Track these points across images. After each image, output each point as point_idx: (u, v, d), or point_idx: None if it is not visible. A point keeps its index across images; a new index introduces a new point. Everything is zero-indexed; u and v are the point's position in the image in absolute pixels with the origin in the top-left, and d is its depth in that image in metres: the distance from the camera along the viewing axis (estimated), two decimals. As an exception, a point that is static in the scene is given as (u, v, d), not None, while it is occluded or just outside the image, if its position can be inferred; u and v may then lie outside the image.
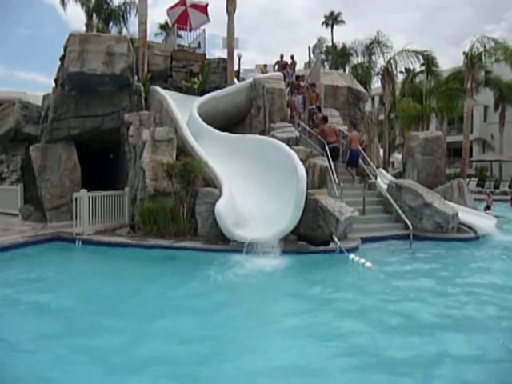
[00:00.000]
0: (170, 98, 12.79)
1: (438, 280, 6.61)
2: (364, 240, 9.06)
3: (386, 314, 5.15)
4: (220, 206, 8.41)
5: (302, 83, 14.59)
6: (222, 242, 8.54)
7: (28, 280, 6.62)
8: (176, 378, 3.67)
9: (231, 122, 13.12)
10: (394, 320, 4.93)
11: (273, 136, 10.91)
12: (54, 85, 12.57)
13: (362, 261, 7.26)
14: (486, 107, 36.62)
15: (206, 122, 11.79)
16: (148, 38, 14.87)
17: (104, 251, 8.68)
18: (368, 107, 25.93)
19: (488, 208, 13.59)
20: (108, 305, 5.55)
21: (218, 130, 11.66)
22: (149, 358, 4.00)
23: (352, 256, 7.62)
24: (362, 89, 17.18)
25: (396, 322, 4.87)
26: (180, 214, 9.24)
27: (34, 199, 12.27)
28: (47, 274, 7.04)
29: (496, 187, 28.22)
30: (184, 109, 12.40)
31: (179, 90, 14.87)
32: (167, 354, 4.11)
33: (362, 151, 12.16)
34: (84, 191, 9.64)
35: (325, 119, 12.34)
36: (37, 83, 77.26)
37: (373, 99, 38.96)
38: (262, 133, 11.88)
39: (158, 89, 13.52)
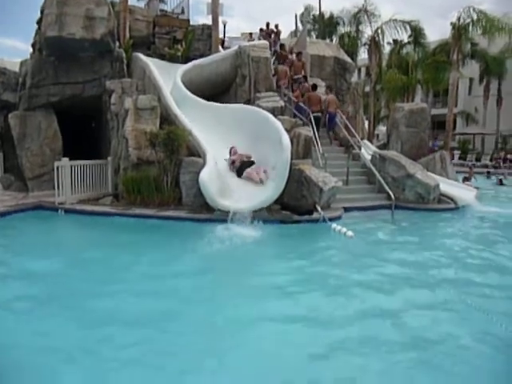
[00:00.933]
0: (153, 65, 12.48)
1: (417, 248, 6.81)
2: (347, 210, 9.18)
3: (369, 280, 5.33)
4: (204, 175, 8.37)
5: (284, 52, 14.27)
6: (206, 211, 8.55)
7: (10, 247, 6.61)
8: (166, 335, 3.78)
9: (216, 90, 12.90)
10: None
11: (258, 105, 10.79)
12: (31, 50, 12.13)
13: (344, 230, 7.38)
14: (471, 80, 36.60)
15: (190, 91, 11.55)
16: (129, 2, 14.38)
17: (87, 220, 8.64)
18: (354, 78, 25.77)
19: (467, 179, 13.91)
20: (92, 271, 5.59)
21: (203, 98, 11.47)
22: (135, 318, 4.13)
23: (334, 225, 7.73)
24: (348, 59, 16.99)
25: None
26: (164, 184, 9.19)
27: (14, 168, 12.02)
28: (30, 242, 7.01)
29: (477, 160, 28.69)
30: (167, 76, 12.11)
31: (162, 57, 14.51)
32: (154, 315, 4.24)
33: (341, 113, 12.14)
34: (66, 160, 9.49)
35: (313, 87, 12.25)
36: (16, 49, 74.14)
37: (359, 70, 38.58)
38: (247, 102, 11.72)
39: (141, 56, 13.16)
